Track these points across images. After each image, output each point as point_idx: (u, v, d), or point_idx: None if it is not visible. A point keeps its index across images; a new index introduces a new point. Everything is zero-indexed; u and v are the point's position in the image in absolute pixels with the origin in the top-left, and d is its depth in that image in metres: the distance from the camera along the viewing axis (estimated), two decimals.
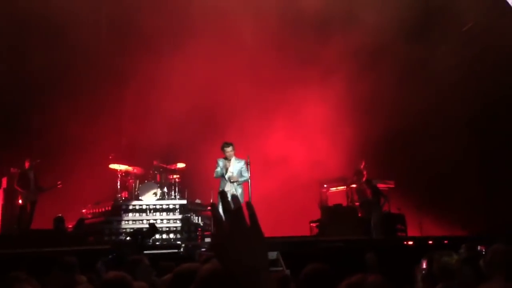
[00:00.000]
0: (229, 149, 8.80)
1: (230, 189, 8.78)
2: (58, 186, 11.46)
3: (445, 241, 10.16)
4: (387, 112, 13.69)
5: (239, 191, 8.86)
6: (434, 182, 13.53)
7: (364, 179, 12.54)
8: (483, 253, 7.16)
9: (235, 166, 8.87)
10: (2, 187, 11.97)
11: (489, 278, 3.40)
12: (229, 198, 1.10)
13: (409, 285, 5.02)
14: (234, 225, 1.05)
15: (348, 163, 13.42)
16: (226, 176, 8.78)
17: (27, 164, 11.10)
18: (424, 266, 6.18)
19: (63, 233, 10.78)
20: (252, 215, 1.07)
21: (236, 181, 8.75)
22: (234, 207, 1.06)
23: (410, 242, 10.44)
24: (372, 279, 1.21)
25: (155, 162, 12.48)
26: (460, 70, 13.55)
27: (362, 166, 12.84)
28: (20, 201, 11.09)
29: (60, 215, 10.84)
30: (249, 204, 1.10)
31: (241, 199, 8.90)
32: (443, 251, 5.74)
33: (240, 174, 8.89)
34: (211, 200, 10.40)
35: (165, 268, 4.28)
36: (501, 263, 3.44)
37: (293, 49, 14.64)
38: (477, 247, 7.71)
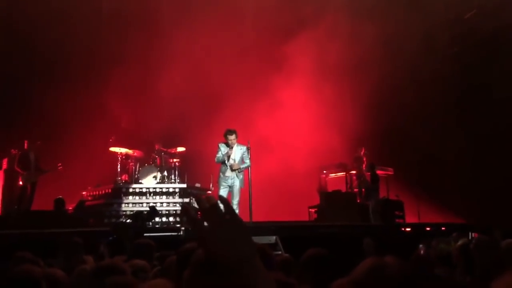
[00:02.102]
0: (232, 137, 8.75)
1: (231, 175, 8.83)
2: (59, 168, 11.49)
3: (443, 228, 10.25)
4: (387, 101, 13.70)
5: (240, 177, 8.89)
6: (433, 170, 13.60)
7: (364, 165, 12.61)
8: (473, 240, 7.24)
9: (237, 153, 8.87)
10: (2, 168, 12.00)
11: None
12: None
13: None
14: (212, 220, 1.06)
15: (348, 150, 13.47)
16: (228, 164, 8.82)
17: (26, 145, 11.12)
18: (422, 252, 6.27)
19: (64, 215, 10.84)
20: (227, 206, 1.09)
21: (238, 169, 8.79)
22: (209, 204, 1.06)
23: (408, 229, 10.53)
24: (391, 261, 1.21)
25: (157, 146, 12.51)
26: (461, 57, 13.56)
27: (362, 153, 12.90)
28: (20, 182, 11.14)
29: (60, 196, 10.89)
30: (221, 197, 1.11)
31: (241, 184, 8.95)
32: (441, 238, 5.82)
33: (242, 160, 8.91)
34: (210, 185, 10.46)
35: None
36: None
37: (295, 29, 14.54)
38: (471, 234, 7.81)
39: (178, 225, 10.48)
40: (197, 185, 12.66)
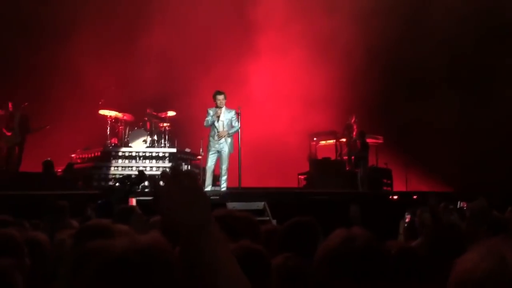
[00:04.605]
0: (221, 97, 8.80)
1: (219, 139, 8.84)
2: (46, 127, 11.39)
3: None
4: (378, 69, 13.64)
5: (228, 141, 8.91)
6: (421, 139, 13.68)
7: (354, 133, 12.62)
8: (464, 209, 7.36)
9: (226, 115, 8.89)
10: None
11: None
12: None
13: (392, 237, 5.18)
14: (170, 185, 1.07)
15: (339, 117, 13.46)
16: (217, 126, 8.80)
17: (10, 106, 10.96)
18: (407, 220, 6.37)
19: (52, 177, 10.82)
20: (186, 174, 1.10)
21: (225, 136, 8.79)
22: (170, 168, 1.10)
23: (395, 197, 10.66)
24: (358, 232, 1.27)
25: (148, 110, 12.39)
26: (456, 27, 13.43)
27: (352, 121, 12.89)
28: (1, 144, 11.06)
29: (49, 158, 10.84)
30: (175, 165, 1.14)
31: (231, 149, 8.97)
32: (426, 207, 5.89)
33: (230, 124, 8.92)
34: (200, 150, 10.45)
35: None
36: None
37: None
38: (459, 203, 7.91)
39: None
40: (187, 150, 12.64)
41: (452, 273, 1.08)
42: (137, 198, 7.42)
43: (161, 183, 1.08)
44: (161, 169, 11.72)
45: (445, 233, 2.52)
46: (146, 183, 10.41)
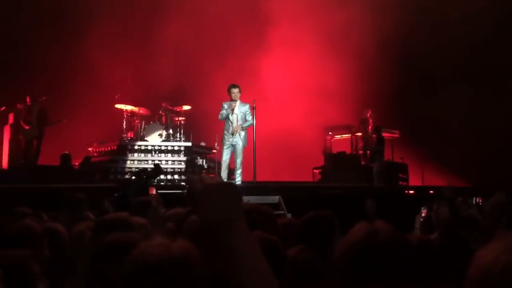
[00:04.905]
0: (235, 90, 8.83)
1: (234, 134, 8.87)
2: (63, 121, 11.53)
3: None
4: (394, 63, 13.50)
5: (242, 134, 8.92)
6: (439, 133, 13.53)
7: (370, 127, 12.53)
8: (480, 204, 7.27)
9: (240, 109, 8.90)
10: (9, 123, 12.05)
11: None
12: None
13: (407, 232, 5.14)
14: (204, 182, 1.14)
15: (354, 111, 13.37)
16: (231, 119, 8.82)
17: (28, 100, 11.13)
18: (424, 214, 6.30)
19: (70, 170, 10.96)
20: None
21: (238, 130, 8.80)
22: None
23: (411, 191, 10.56)
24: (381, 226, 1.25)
25: (163, 104, 12.46)
26: (472, 20, 13.24)
27: (368, 115, 12.80)
28: (21, 137, 11.25)
29: (67, 152, 10.99)
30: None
31: (245, 143, 8.97)
32: (443, 201, 5.82)
33: (244, 117, 8.92)
34: (215, 144, 10.49)
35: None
36: None
37: None
38: (475, 199, 7.81)
39: (182, 183, 10.59)
40: (202, 143, 12.70)
41: (471, 266, 1.06)
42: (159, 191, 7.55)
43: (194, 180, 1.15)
44: (176, 162, 11.81)
45: (463, 226, 2.49)
46: (162, 176, 10.50)
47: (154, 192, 6.98)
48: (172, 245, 1.19)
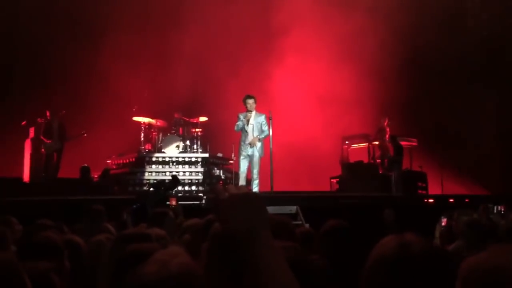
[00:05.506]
0: (251, 101, 8.88)
1: (251, 146, 8.90)
2: (83, 135, 11.72)
3: (466, 200, 10.11)
4: (411, 70, 13.41)
5: (258, 145, 8.93)
6: (457, 141, 13.36)
7: (387, 136, 12.42)
8: (502, 212, 7.14)
9: (256, 119, 8.93)
10: (30, 137, 12.29)
11: None
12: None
13: None
14: (229, 192, 1.14)
15: (371, 120, 13.29)
16: (247, 129, 8.84)
17: (48, 115, 11.36)
18: (444, 224, 6.21)
19: (89, 182, 11.10)
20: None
21: (255, 143, 8.82)
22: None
23: (431, 200, 10.42)
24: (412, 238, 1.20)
25: (176, 115, 12.58)
26: (492, 25, 13.11)
27: (385, 123, 12.70)
28: (42, 150, 11.45)
29: (86, 165, 11.14)
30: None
31: (261, 153, 8.98)
32: (463, 210, 5.73)
33: (260, 128, 8.94)
34: (232, 155, 10.52)
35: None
36: None
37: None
38: (497, 207, 7.67)
39: (200, 194, 10.63)
40: (219, 154, 12.74)
41: (459, 269, 1.16)
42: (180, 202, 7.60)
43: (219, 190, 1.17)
44: (193, 174, 11.87)
45: (484, 233, 2.45)
46: (179, 187, 10.55)
47: (174, 202, 7.04)
48: (170, 261, 1.15)
